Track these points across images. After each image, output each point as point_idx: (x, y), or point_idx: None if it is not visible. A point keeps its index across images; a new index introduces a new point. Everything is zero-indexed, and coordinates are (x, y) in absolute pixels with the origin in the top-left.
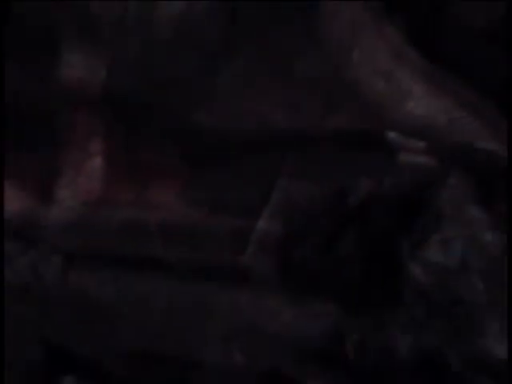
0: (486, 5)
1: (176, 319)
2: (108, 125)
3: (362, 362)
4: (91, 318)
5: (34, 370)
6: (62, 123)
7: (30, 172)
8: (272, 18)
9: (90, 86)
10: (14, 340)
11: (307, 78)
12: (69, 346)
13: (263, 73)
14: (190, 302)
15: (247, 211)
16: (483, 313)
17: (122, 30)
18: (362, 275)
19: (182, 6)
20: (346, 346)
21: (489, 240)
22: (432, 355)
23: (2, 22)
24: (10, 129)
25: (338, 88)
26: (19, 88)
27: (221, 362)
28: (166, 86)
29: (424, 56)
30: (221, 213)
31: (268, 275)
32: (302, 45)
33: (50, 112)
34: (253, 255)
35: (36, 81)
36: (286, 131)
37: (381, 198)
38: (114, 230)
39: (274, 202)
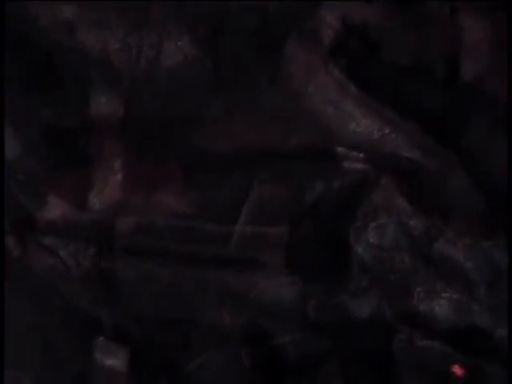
0: (407, 46)
1: (181, 292)
2: (126, 148)
3: (320, 321)
4: (117, 293)
5: (77, 332)
6: (92, 148)
7: (69, 186)
8: (247, 64)
9: (112, 119)
10: (61, 311)
11: (273, 108)
12: (101, 313)
13: (240, 107)
14: (190, 279)
15: (231, 208)
16: (409, 279)
17: (134, 78)
18: (319, 255)
19: (179, 58)
20: (308, 308)
21: (412, 224)
22: (373, 314)
23: (2, 25)
24: (54, 152)
25: (296, 115)
26: (61, 122)
27: (214, 323)
28: (168, 118)
29: (361, 88)
30: (210, 210)
31: (248, 257)
32: (268, 83)
33: (84, 140)
34: (236, 244)
35: (73, 116)
36: (258, 149)
37: (330, 196)
38: (132, 228)
39: (250, 201)
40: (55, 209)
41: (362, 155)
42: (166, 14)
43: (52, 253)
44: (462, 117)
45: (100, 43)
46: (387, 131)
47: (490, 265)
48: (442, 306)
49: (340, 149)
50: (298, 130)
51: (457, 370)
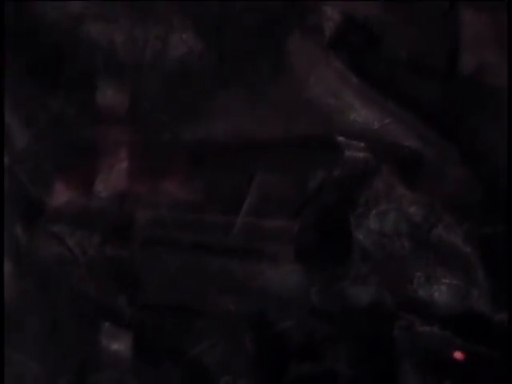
0: (407, 39)
1: (186, 280)
2: (131, 138)
3: (323, 307)
4: (123, 280)
5: (83, 318)
6: (98, 137)
7: (75, 173)
8: (250, 57)
9: (118, 110)
10: (67, 297)
11: (276, 99)
12: (107, 300)
13: (244, 98)
14: (195, 267)
15: (233, 197)
16: (409, 265)
17: (140, 69)
18: (321, 241)
19: (184, 49)
20: (310, 295)
21: (413, 211)
22: (374, 299)
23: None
24: (61, 141)
25: (299, 105)
26: (68, 112)
27: (218, 310)
28: (174, 108)
29: (361, 79)
30: (215, 200)
31: (253, 247)
32: (271, 75)
33: (90, 129)
34: (239, 233)
35: (79, 108)
36: (260, 139)
37: (332, 185)
38: (139, 218)
39: (253, 190)
40: (62, 196)
41: (362, 144)
42: (171, 6)
43: (59, 240)
44: (460, 109)
45: (107, 36)
46: (387, 121)
47: (489, 250)
48: (441, 292)
49: (341, 138)
50: (300, 121)
51: (458, 355)
